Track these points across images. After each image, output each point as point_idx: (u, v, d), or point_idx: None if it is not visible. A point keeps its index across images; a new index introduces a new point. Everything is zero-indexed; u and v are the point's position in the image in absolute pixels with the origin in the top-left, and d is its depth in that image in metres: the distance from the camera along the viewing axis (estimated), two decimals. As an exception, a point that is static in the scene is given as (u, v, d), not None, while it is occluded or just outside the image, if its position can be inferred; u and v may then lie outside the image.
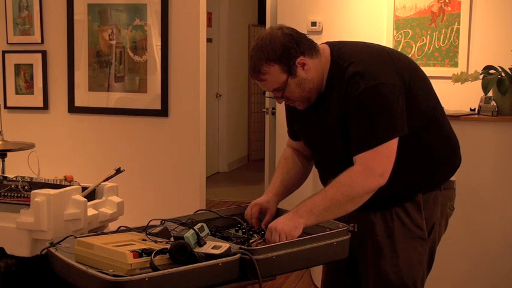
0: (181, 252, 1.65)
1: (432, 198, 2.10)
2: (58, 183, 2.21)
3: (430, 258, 2.16)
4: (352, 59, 1.96)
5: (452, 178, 2.16)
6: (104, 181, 2.24)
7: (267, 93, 2.04)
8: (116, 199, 2.22)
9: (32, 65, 4.05)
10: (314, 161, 2.23)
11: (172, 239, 1.79)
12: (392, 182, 1.91)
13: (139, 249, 1.65)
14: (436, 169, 2.10)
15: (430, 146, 2.06)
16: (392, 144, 1.90)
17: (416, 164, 2.04)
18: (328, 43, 2.07)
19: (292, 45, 1.93)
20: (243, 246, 1.76)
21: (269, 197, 2.15)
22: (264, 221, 2.10)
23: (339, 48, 2.02)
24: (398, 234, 2.06)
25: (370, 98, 1.89)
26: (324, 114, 2.03)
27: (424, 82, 2.08)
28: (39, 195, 1.96)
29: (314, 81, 1.98)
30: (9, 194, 2.15)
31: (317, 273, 3.73)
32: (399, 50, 4.26)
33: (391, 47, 4.23)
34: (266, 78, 1.95)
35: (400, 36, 4.27)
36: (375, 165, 1.89)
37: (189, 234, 1.69)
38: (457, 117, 3.34)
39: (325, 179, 2.14)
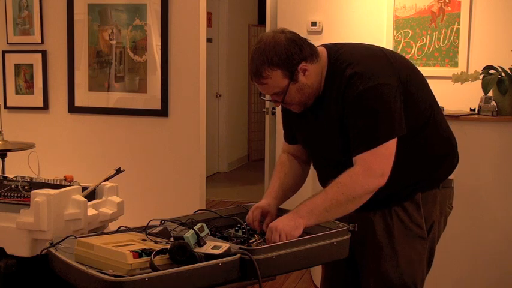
0: (181, 252, 1.65)
1: (431, 197, 2.10)
2: (58, 183, 2.21)
3: (430, 257, 2.16)
4: (350, 60, 1.96)
5: (450, 177, 2.16)
6: (104, 181, 2.24)
7: (266, 96, 2.04)
8: (116, 199, 2.22)
9: (32, 65, 4.05)
10: (312, 162, 2.23)
11: (172, 239, 1.79)
12: (392, 181, 1.92)
13: (139, 250, 1.65)
14: (435, 168, 2.10)
15: (428, 145, 2.06)
16: (392, 145, 1.90)
17: (415, 162, 2.04)
18: (325, 45, 2.07)
19: (296, 51, 1.93)
20: (243, 246, 1.77)
21: (269, 200, 2.15)
22: (265, 223, 2.09)
23: (336, 50, 2.02)
24: (398, 233, 2.06)
25: (368, 98, 1.90)
26: (322, 116, 2.03)
27: (421, 82, 2.08)
28: (39, 195, 1.96)
29: (313, 86, 1.99)
30: (9, 194, 2.15)
31: (317, 273, 3.73)
32: (399, 50, 4.26)
33: (391, 47, 4.24)
34: (267, 82, 1.95)
35: (400, 36, 4.27)
36: (374, 166, 1.89)
37: (189, 234, 1.69)
38: (457, 117, 3.34)
39: (324, 180, 2.14)
